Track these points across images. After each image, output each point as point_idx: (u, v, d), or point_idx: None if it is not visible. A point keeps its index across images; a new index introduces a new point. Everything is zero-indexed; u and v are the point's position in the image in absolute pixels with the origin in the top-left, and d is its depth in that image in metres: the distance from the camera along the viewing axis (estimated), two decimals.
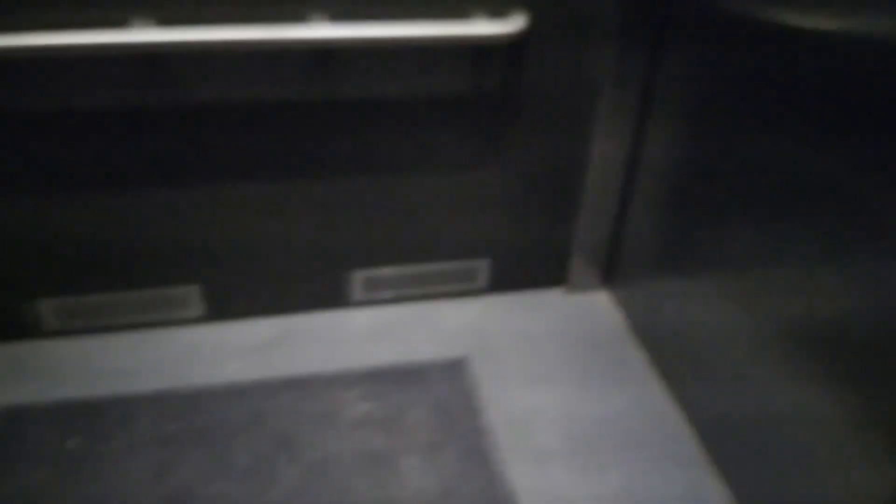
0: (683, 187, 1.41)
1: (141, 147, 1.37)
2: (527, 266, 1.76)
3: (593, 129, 1.54)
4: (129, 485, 1.28)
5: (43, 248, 1.46)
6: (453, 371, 1.56)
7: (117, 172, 1.39)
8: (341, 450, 1.37)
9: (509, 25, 1.33)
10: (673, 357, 1.53)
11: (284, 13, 1.27)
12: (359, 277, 1.67)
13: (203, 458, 1.34)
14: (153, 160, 1.39)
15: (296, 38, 1.26)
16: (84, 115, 1.31)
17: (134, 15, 1.22)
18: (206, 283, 1.59)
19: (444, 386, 1.52)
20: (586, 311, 1.76)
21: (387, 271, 1.68)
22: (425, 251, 1.67)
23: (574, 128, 1.54)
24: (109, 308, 1.57)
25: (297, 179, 1.49)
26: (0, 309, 1.52)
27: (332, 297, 1.69)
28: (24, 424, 1.39)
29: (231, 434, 1.39)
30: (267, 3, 1.26)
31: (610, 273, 1.79)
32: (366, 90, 1.39)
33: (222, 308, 1.64)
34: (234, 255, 1.56)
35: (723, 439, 1.35)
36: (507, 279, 1.77)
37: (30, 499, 1.24)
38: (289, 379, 1.52)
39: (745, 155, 1.20)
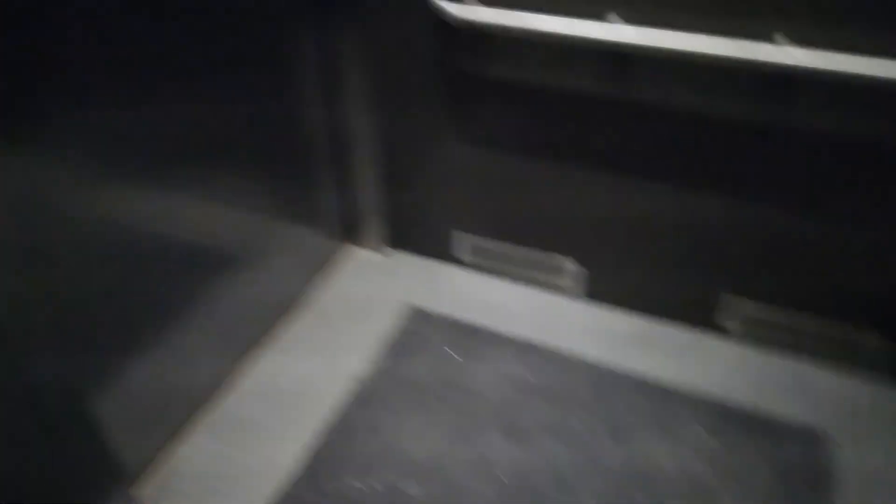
0: None
1: (578, 127, 1.53)
2: None
3: None
4: (482, 399, 1.53)
5: (456, 190, 1.77)
6: (809, 438, 1.42)
7: (552, 145, 1.59)
8: (671, 466, 1.38)
9: None
10: None
11: (750, 30, 1.25)
12: (736, 306, 1.61)
13: (545, 411, 1.50)
14: (581, 140, 1.54)
15: (763, 60, 1.22)
16: (547, 93, 1.51)
17: (608, 10, 1.34)
18: (586, 263, 1.74)
19: (796, 450, 1.40)
20: None
21: (773, 314, 1.58)
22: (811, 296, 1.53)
23: None
24: (508, 257, 1.83)
25: (685, 190, 1.50)
26: (435, 236, 1.89)
27: (701, 315, 1.67)
28: (424, 326, 1.74)
29: (571, 402, 1.52)
30: (735, 17, 1.25)
31: None
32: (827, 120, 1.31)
33: (598, 290, 1.78)
34: (619, 244, 1.67)
35: None
36: None
37: (413, 380, 1.57)
38: (641, 381, 1.57)
39: None
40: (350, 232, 1.99)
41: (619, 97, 1.44)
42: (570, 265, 1.76)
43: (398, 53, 1.59)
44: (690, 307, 1.68)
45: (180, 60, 1.25)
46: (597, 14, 1.34)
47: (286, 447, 1.43)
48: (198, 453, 1.43)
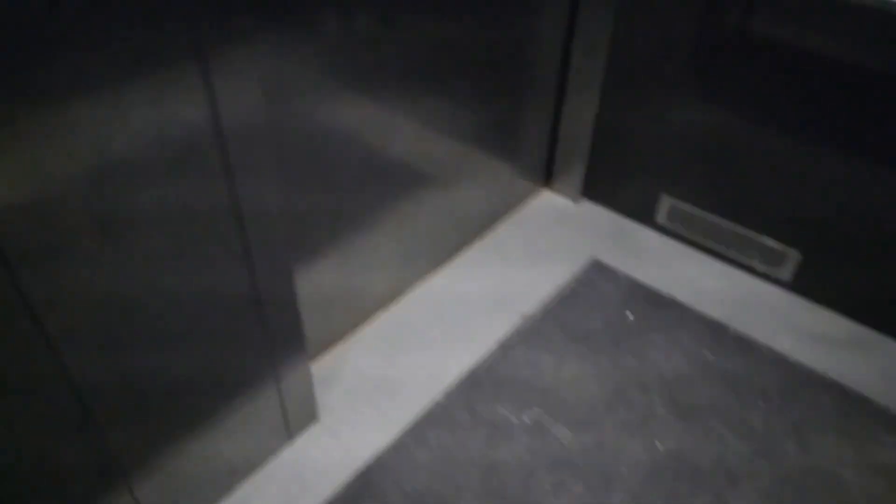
0: None
1: (847, 106, 1.36)
2: None
3: None
4: (652, 365, 1.45)
5: (676, 151, 1.65)
6: None
7: (807, 121, 1.42)
8: (851, 476, 1.23)
9: None
10: None
11: None
12: None
13: (721, 395, 1.39)
14: (846, 121, 1.37)
15: None
16: (819, 61, 1.35)
17: None
18: (808, 254, 1.55)
19: None
20: None
21: None
22: None
23: None
24: (716, 232, 1.69)
25: None
26: (637, 193, 1.80)
27: None
28: (603, 280, 1.67)
29: (752, 392, 1.39)
30: None
31: None
32: None
33: (811, 287, 1.59)
34: (859, 246, 1.46)
35: None
36: None
37: (581, 330, 1.53)
38: (838, 385, 1.40)
39: None
40: (548, 175, 1.95)
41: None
42: (793, 256, 1.59)
43: None
44: None
45: None
46: None
47: (446, 363, 1.46)
48: (364, 354, 1.50)
